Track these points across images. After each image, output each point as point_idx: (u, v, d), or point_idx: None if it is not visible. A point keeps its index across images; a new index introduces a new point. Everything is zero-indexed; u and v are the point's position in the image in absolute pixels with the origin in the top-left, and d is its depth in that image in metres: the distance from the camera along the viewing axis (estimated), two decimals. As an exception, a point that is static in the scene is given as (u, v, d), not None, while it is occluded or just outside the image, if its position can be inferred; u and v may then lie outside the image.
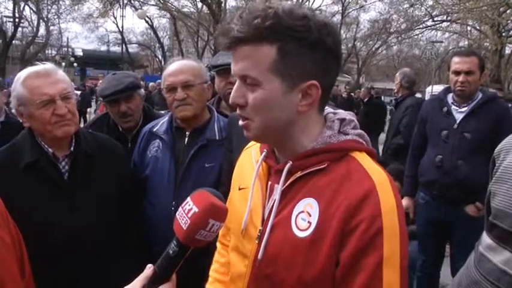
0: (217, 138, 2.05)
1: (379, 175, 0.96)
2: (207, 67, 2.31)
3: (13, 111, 1.75)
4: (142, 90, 2.55)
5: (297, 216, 0.98)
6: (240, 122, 1.02)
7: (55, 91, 1.65)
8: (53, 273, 1.59)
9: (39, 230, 1.58)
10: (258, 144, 1.15)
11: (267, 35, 0.92)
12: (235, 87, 0.99)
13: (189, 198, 0.99)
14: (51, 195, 1.68)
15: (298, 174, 1.00)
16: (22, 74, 1.69)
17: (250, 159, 1.16)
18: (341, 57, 1.05)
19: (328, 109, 1.08)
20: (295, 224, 0.97)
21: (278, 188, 1.02)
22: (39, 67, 1.70)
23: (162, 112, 2.81)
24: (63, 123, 1.67)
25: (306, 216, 0.96)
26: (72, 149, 1.75)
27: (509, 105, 5.63)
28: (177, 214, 0.99)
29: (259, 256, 1.01)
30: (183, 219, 0.97)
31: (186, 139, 2.08)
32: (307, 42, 0.93)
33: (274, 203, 1.02)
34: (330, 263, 0.92)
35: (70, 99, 1.70)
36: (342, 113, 1.07)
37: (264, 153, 1.09)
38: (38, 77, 1.66)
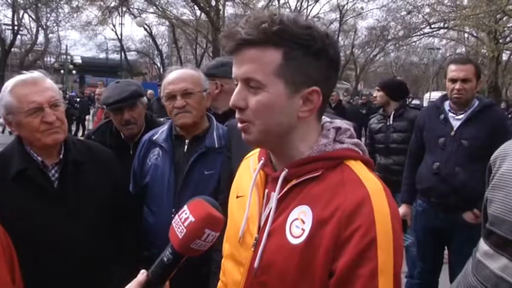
0: (216, 146, 2.07)
1: (373, 184, 0.96)
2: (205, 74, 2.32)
3: (1, 120, 1.74)
4: (144, 98, 2.60)
5: (291, 223, 0.98)
6: (239, 125, 1.02)
7: (43, 99, 1.65)
8: (43, 280, 1.60)
9: (29, 238, 1.58)
10: (257, 154, 1.16)
11: (274, 39, 0.94)
12: (236, 90, 1.00)
13: (185, 207, 1.00)
14: (41, 203, 1.68)
15: (294, 181, 1.01)
16: (10, 83, 1.69)
17: (249, 168, 1.17)
18: (340, 68, 1.07)
19: (325, 118, 1.09)
20: (290, 231, 0.98)
21: (274, 196, 1.03)
22: (27, 75, 1.70)
23: (162, 119, 2.83)
24: (52, 131, 1.66)
25: (299, 223, 0.97)
26: (61, 156, 1.75)
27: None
28: (173, 222, 1.00)
29: (256, 264, 1.01)
30: (179, 228, 0.97)
31: (186, 147, 2.09)
32: (311, 50, 0.96)
33: (270, 211, 1.03)
34: (323, 271, 0.92)
35: (58, 106, 1.70)
36: (338, 122, 1.08)
37: (261, 162, 1.10)
38: (25, 85, 1.66)
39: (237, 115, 1.02)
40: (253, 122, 0.99)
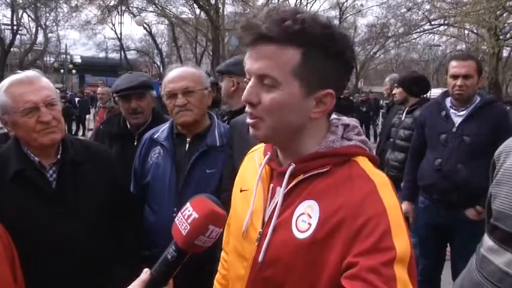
0: (218, 144, 2.06)
1: (379, 177, 0.96)
2: (206, 73, 2.34)
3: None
4: (154, 92, 2.66)
5: (297, 218, 0.98)
6: (248, 120, 1.01)
7: (38, 98, 1.62)
8: (42, 280, 1.58)
9: (28, 238, 1.56)
10: (262, 148, 1.15)
11: (295, 38, 0.93)
12: (249, 85, 0.98)
13: (188, 204, 1.00)
14: (40, 203, 1.66)
15: (301, 177, 1.00)
16: (5, 83, 1.66)
17: (253, 163, 1.16)
18: (353, 70, 1.06)
19: (332, 114, 1.09)
20: (296, 225, 0.97)
21: (280, 191, 1.02)
22: (21, 75, 1.68)
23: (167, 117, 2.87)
24: (48, 131, 1.64)
25: (306, 217, 0.96)
26: (59, 156, 1.72)
27: (508, 108, 5.63)
28: (176, 219, 0.99)
29: (260, 259, 1.01)
30: (182, 225, 0.97)
31: (187, 145, 2.09)
32: (330, 51, 0.95)
33: (276, 206, 1.02)
34: (333, 265, 0.90)
35: (55, 105, 1.67)
36: (346, 119, 1.08)
37: (267, 156, 1.09)
38: (20, 85, 1.63)
39: (247, 109, 1.01)
40: (264, 118, 0.98)
